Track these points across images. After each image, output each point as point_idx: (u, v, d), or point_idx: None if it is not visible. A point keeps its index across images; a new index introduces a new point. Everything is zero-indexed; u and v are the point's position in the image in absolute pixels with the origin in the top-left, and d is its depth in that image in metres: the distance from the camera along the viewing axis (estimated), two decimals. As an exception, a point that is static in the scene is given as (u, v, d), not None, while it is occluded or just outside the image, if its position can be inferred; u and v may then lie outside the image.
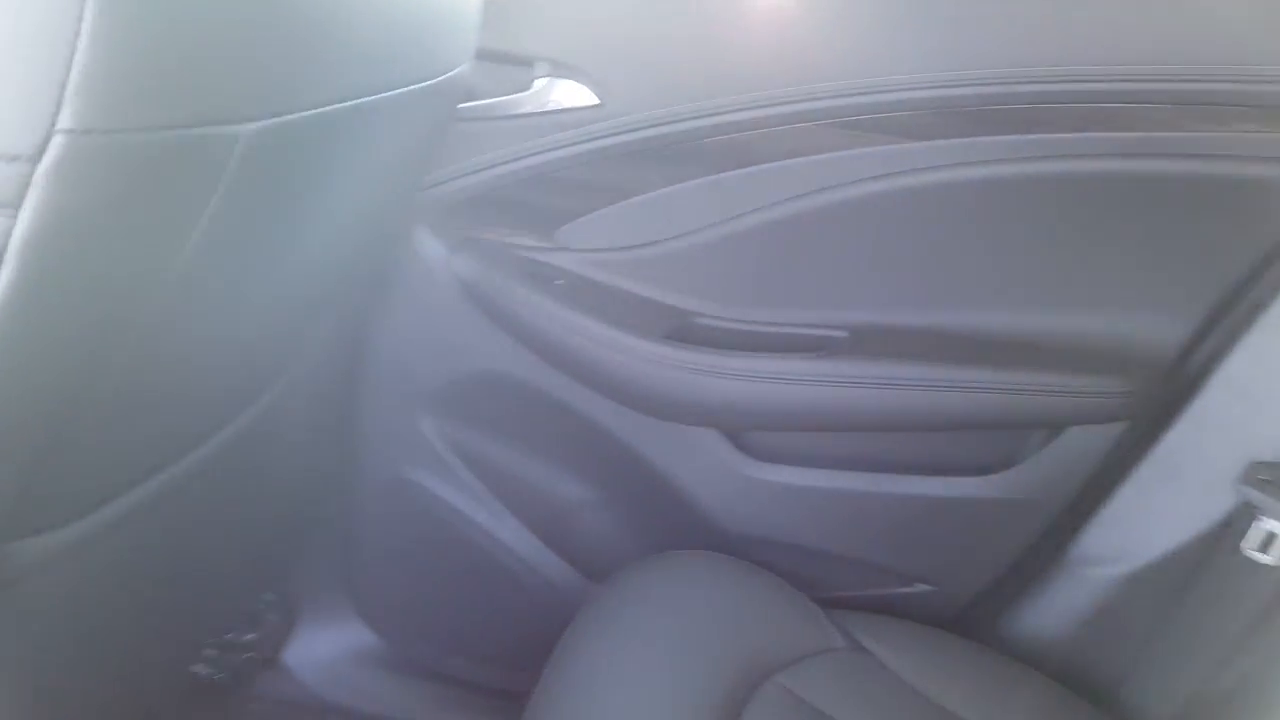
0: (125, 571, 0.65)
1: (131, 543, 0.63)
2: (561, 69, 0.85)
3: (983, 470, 0.89)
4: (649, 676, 0.70)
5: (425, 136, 0.77)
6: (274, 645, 1.08)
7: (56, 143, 0.36)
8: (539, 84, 0.85)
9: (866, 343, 0.85)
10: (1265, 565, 0.74)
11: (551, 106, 0.85)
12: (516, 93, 0.86)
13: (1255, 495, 0.75)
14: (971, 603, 0.95)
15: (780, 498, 0.90)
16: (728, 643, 0.74)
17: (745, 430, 0.91)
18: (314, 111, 0.50)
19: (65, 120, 0.36)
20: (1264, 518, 0.74)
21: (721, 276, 0.88)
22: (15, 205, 0.37)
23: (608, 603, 0.78)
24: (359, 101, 0.55)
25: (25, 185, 0.36)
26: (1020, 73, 0.78)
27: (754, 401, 0.84)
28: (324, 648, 1.10)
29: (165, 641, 0.81)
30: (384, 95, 0.58)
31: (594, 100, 0.84)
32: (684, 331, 0.87)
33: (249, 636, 1.04)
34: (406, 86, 0.61)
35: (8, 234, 0.37)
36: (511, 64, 0.86)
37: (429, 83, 0.65)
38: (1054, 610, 0.89)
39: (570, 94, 0.85)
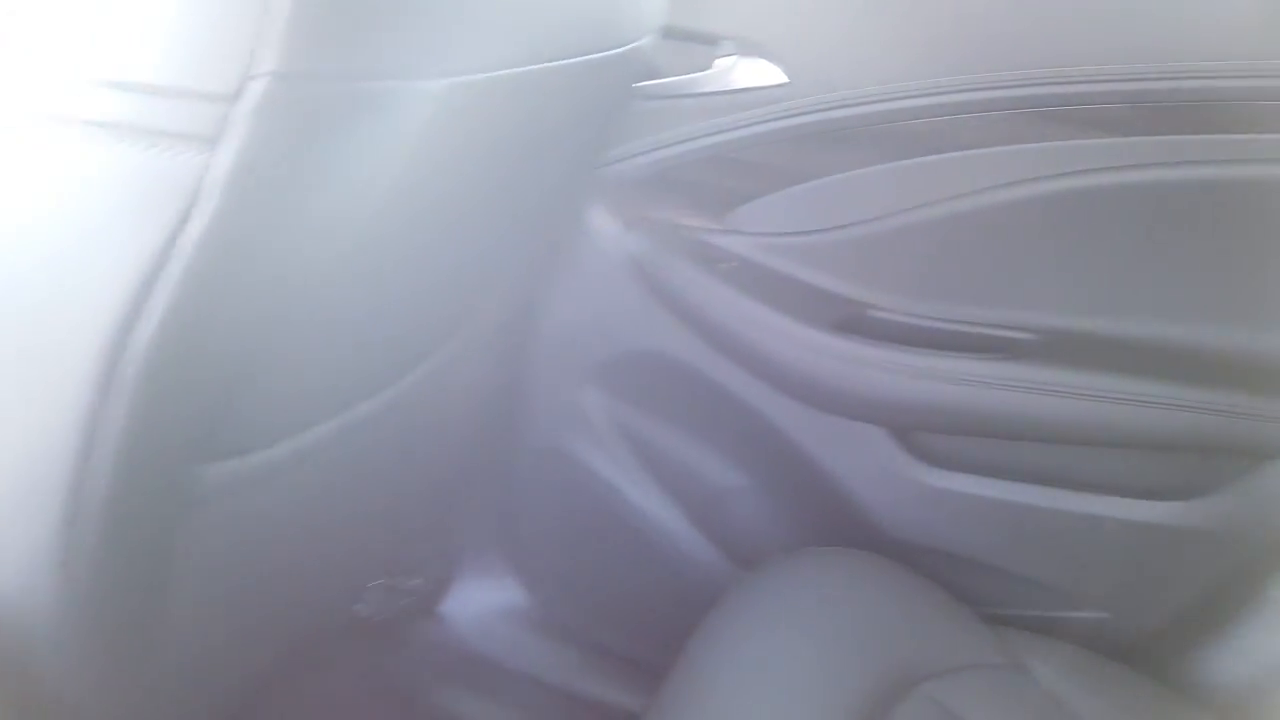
0: (304, 504, 0.69)
1: (311, 477, 0.67)
2: (750, 47, 0.84)
3: (1175, 495, 0.82)
4: (791, 669, 0.68)
5: (603, 108, 0.78)
6: (434, 594, 1.13)
7: (255, 85, 0.38)
8: (720, 63, 0.85)
9: (1054, 347, 0.80)
10: None
11: (735, 86, 0.84)
12: (697, 71, 0.85)
13: None
14: (1149, 636, 0.88)
15: (946, 504, 0.86)
16: (877, 645, 0.72)
17: (915, 430, 0.88)
18: (497, 73, 0.51)
19: (266, 63, 0.38)
20: None
21: (899, 268, 0.84)
22: (212, 142, 0.39)
23: (755, 590, 0.77)
24: (540, 66, 0.56)
25: (222, 124, 0.39)
26: (1234, 66, 0.71)
27: (927, 401, 0.81)
28: (479, 601, 1.14)
29: (332, 576, 0.86)
30: (564, 61, 0.59)
31: (782, 79, 0.82)
32: (855, 323, 0.84)
33: (412, 582, 1.09)
34: (586, 55, 0.62)
35: (205, 169, 0.40)
36: (697, 42, 0.85)
37: (608, 53, 0.65)
38: (1244, 655, 0.82)
39: (754, 73, 0.84)
